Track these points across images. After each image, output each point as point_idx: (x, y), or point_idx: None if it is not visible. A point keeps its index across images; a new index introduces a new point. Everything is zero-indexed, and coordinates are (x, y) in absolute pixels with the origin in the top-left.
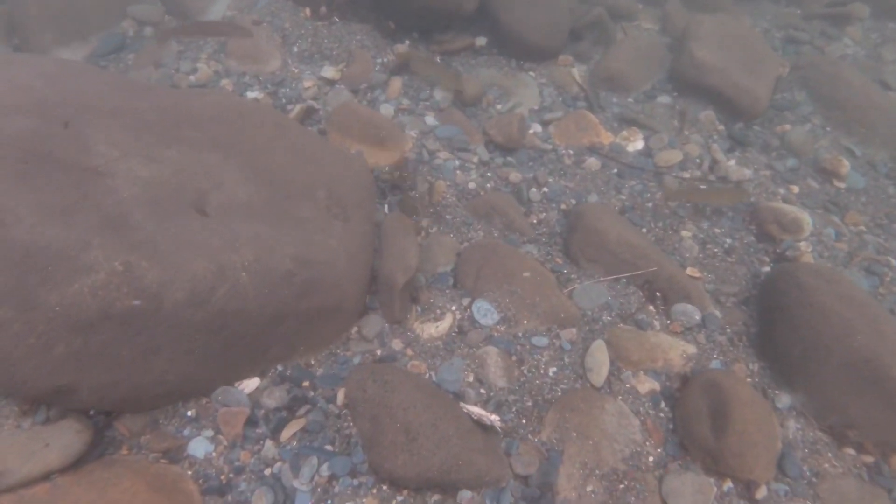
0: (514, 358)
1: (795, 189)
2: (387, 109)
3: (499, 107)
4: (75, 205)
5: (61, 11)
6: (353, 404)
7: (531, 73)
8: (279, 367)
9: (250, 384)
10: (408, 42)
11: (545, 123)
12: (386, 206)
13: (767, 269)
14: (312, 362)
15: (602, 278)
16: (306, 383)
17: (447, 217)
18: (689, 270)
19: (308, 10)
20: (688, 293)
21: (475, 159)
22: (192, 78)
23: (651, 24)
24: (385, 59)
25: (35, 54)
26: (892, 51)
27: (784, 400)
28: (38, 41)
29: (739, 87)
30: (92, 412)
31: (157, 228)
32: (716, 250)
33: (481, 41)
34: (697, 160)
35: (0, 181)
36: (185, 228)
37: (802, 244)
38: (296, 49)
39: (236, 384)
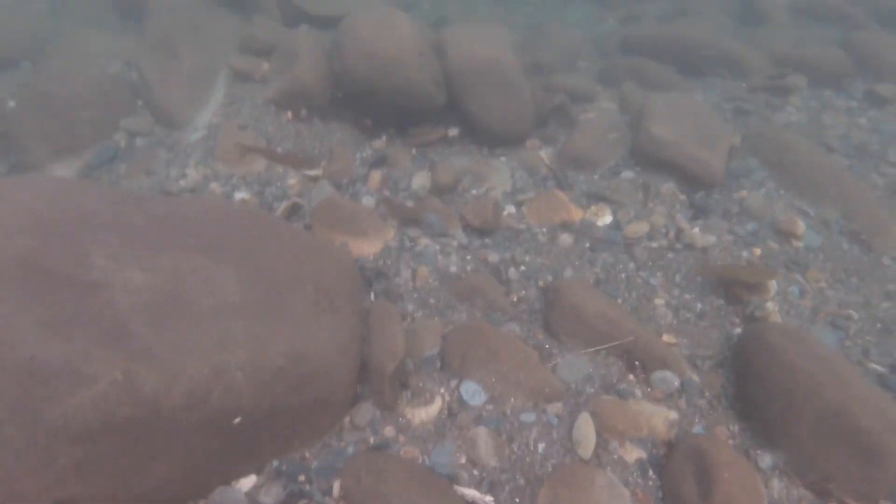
0: (503, 437)
1: (758, 251)
2: (368, 201)
3: (473, 192)
4: (76, 318)
5: (55, 128)
6: (350, 496)
7: (502, 158)
8: (275, 463)
9: (247, 482)
10: (385, 137)
11: (518, 204)
12: (372, 294)
13: (739, 330)
14: (307, 455)
15: (583, 351)
16: (302, 477)
17: (431, 301)
18: (664, 337)
19: (290, 114)
20: (665, 360)
21: (454, 243)
22: (182, 183)
23: (610, 104)
24: (364, 154)
25: (36, 175)
26: (831, 116)
27: (766, 459)
28: (34, 157)
29: (696, 159)
30: None
31: (154, 335)
32: (688, 315)
33: (453, 131)
34: (663, 230)
35: (4, 301)
36: (181, 332)
37: (769, 304)
38: (279, 149)
39: (233, 483)
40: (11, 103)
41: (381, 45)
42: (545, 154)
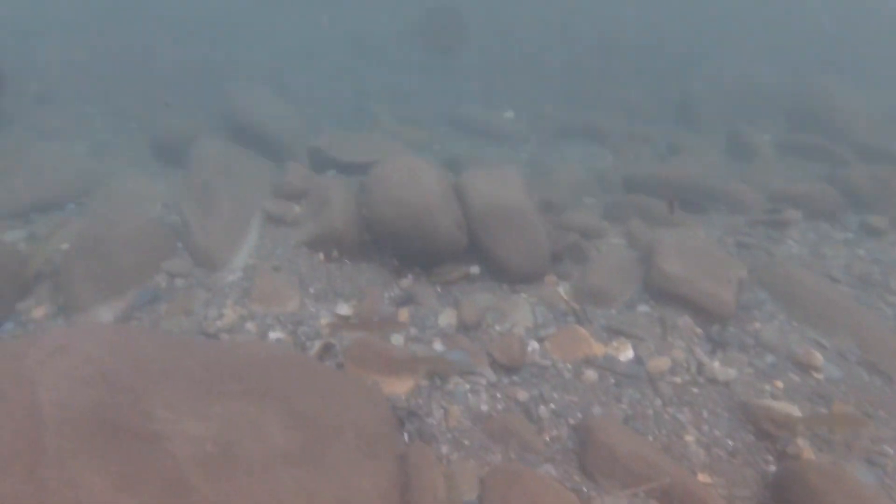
0: None
1: (780, 384)
2: (397, 339)
3: (497, 328)
4: (141, 473)
5: (102, 271)
6: None
7: (523, 295)
8: None
9: None
10: (411, 276)
11: (541, 340)
12: (405, 435)
13: (774, 468)
14: None
15: (621, 493)
16: None
17: (465, 442)
18: (700, 476)
19: (322, 255)
20: (705, 502)
21: (484, 381)
22: (219, 323)
23: (619, 240)
24: (392, 293)
25: (97, 324)
26: (831, 248)
27: None
28: (81, 299)
29: (707, 293)
30: None
31: (212, 487)
32: (721, 453)
33: (475, 269)
34: (685, 364)
35: (76, 457)
36: (236, 483)
37: (800, 440)
38: (312, 290)
39: None
40: (65, 245)
41: (408, 194)
42: (563, 290)
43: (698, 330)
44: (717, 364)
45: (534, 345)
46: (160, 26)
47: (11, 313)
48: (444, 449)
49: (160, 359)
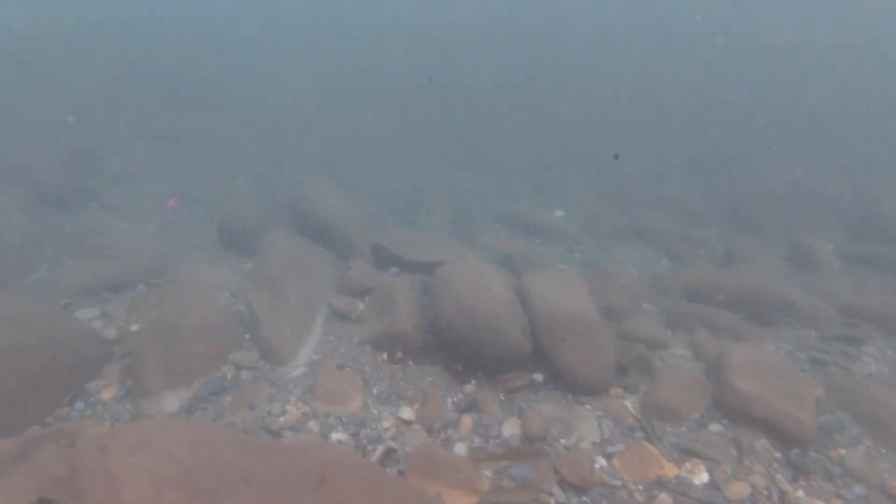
0: None
1: None
2: (461, 448)
3: (563, 441)
4: None
5: (173, 359)
6: None
7: (587, 406)
8: None
9: None
10: (474, 381)
11: (609, 457)
12: None
13: None
14: None
15: None
16: None
17: None
18: None
19: (385, 355)
20: None
21: (552, 501)
22: (282, 420)
23: (683, 351)
24: (455, 398)
25: (174, 419)
26: None
27: None
28: (150, 385)
29: (785, 414)
30: None
31: None
32: None
33: (538, 377)
34: (765, 492)
35: None
36: None
37: None
38: (375, 391)
39: None
40: (134, 326)
41: (476, 300)
42: (630, 403)
43: (777, 453)
44: (800, 493)
45: (601, 462)
46: (224, 115)
47: (81, 392)
48: None
49: (236, 462)
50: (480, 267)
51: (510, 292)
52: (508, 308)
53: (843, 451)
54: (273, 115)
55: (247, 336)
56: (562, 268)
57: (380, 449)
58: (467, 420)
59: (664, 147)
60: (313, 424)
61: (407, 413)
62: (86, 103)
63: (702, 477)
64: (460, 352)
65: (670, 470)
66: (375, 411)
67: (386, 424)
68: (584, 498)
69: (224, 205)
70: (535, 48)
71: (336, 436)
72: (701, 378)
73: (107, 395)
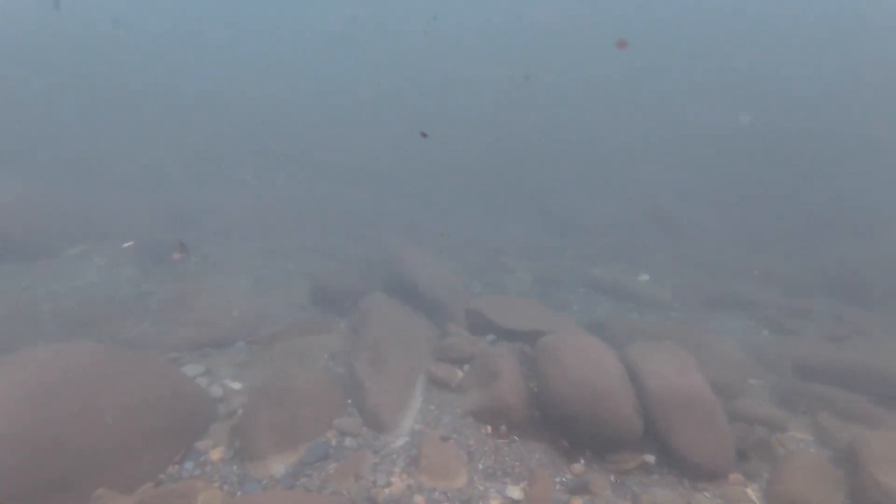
0: None
1: None
2: None
3: None
4: None
5: (282, 423)
6: None
7: (706, 493)
8: None
9: None
10: (583, 461)
11: None
12: None
13: None
14: None
15: None
16: None
17: None
18: None
19: (489, 428)
20: None
21: None
22: (387, 492)
23: (804, 435)
24: (564, 478)
25: (286, 491)
26: None
27: None
28: (258, 448)
29: None
30: None
31: None
32: None
33: (650, 458)
34: None
35: None
36: None
37: None
38: (480, 466)
39: None
40: (236, 385)
41: (587, 375)
42: (752, 493)
43: None
44: None
45: None
46: (311, 174)
47: (190, 451)
48: None
49: None
50: (588, 339)
51: (621, 367)
52: (621, 384)
53: None
54: (352, 173)
55: (349, 402)
56: (666, 342)
57: None
58: (577, 502)
59: (749, 209)
60: (419, 499)
61: (515, 492)
62: (187, 162)
63: None
64: (568, 428)
65: None
66: (482, 488)
67: (493, 503)
68: None
69: (314, 262)
70: (612, 105)
71: None
72: (830, 467)
73: (215, 455)
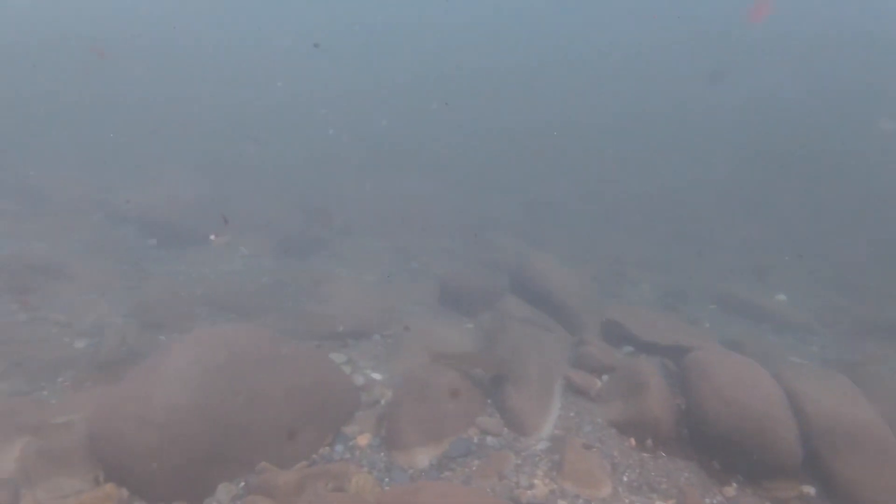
0: None
1: None
2: None
3: None
4: None
5: (426, 416)
6: None
7: None
8: None
9: None
10: (734, 485)
11: None
12: None
13: None
14: None
15: None
16: None
17: None
18: None
19: (633, 440)
20: None
21: None
22: (530, 493)
23: None
24: (714, 501)
25: (450, 485)
26: None
27: None
28: (404, 439)
29: None
30: None
31: None
32: None
33: (809, 490)
34: None
35: None
36: None
37: None
38: (625, 478)
39: None
40: (377, 375)
41: (742, 396)
42: None
43: None
44: None
45: None
46: (432, 180)
47: (339, 435)
48: None
49: None
50: (742, 358)
51: (779, 390)
52: (782, 410)
53: None
54: (469, 176)
55: (488, 401)
56: (828, 371)
57: None
58: None
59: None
60: None
61: None
62: (318, 164)
63: None
64: (719, 449)
65: None
66: (627, 500)
67: None
68: None
69: (435, 261)
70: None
71: None
72: None
73: (362, 441)
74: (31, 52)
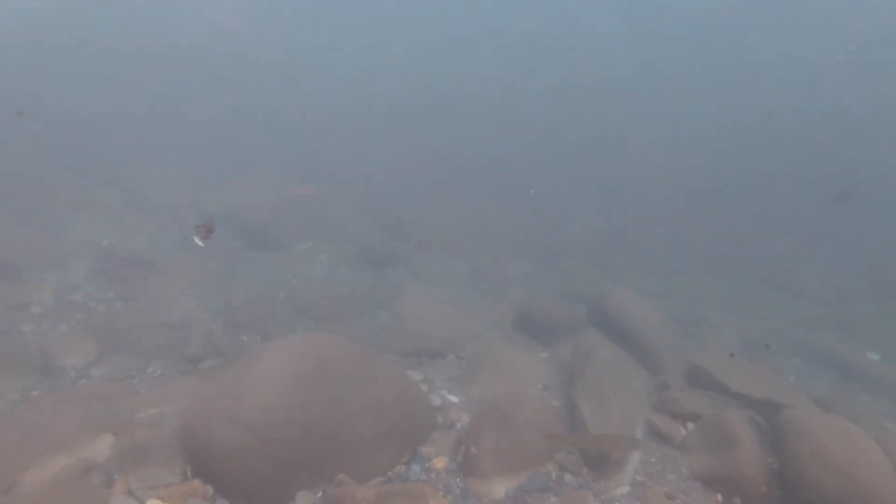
0: None
1: None
2: None
3: None
4: None
5: (506, 446)
6: None
7: None
8: None
9: None
10: None
11: None
12: None
13: None
14: None
15: None
16: None
17: None
18: None
19: (720, 496)
20: None
21: None
22: None
23: None
24: None
25: None
26: None
27: None
28: (482, 467)
29: None
30: None
31: None
32: None
33: None
34: None
35: None
36: None
37: None
38: None
39: None
40: (453, 398)
41: (846, 463)
42: None
43: None
44: None
45: None
46: (497, 200)
47: (415, 455)
48: None
49: None
50: (845, 424)
51: (887, 460)
52: (890, 480)
53: None
54: (549, 197)
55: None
56: None
57: None
58: None
59: None
60: None
61: None
62: (403, 177)
63: None
64: None
65: None
66: None
67: None
68: None
69: (509, 286)
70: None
71: None
72: None
73: (439, 464)
74: (143, 60)
